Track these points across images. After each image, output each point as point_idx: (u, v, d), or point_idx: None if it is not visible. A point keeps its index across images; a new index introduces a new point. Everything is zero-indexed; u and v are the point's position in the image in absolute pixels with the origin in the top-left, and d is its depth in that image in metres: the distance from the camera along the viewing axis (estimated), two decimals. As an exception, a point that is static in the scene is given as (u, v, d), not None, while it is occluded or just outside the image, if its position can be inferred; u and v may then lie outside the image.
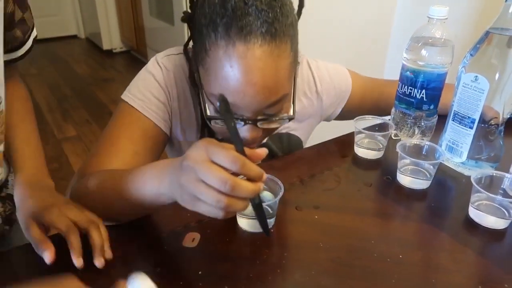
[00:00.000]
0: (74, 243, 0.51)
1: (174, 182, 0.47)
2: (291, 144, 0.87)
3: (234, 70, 0.57)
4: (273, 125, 0.66)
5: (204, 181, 0.43)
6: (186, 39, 0.75)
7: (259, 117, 0.63)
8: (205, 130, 0.76)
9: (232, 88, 0.58)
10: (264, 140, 0.80)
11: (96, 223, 0.55)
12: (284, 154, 0.86)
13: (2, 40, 0.59)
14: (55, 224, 0.52)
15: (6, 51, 0.62)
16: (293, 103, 0.68)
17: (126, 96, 0.72)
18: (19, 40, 0.65)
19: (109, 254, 0.53)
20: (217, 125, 0.65)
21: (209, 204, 0.43)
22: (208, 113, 0.64)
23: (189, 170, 0.44)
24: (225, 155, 0.43)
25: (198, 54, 0.61)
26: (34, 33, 0.69)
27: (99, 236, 0.53)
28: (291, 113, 0.67)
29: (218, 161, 0.43)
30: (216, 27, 0.57)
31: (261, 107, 0.61)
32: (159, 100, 0.72)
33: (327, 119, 0.94)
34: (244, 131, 0.63)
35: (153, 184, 0.51)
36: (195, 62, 0.65)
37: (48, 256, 0.51)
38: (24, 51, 0.68)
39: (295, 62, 0.63)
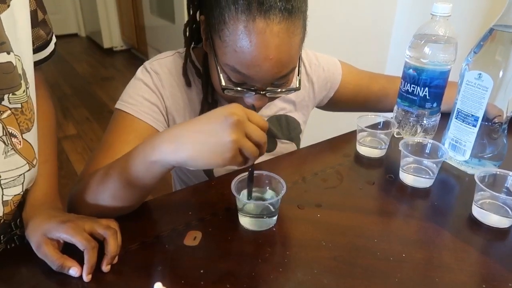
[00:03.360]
0: (91, 260, 0.51)
1: (214, 141, 0.51)
2: (289, 125, 0.88)
3: (253, 45, 0.59)
4: (279, 95, 0.71)
5: (248, 136, 0.52)
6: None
7: (268, 88, 0.66)
8: None
9: (249, 62, 0.61)
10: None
11: (113, 229, 0.55)
12: (283, 136, 0.87)
13: (30, 36, 0.59)
14: (73, 239, 0.52)
15: (33, 50, 0.62)
16: (298, 75, 0.70)
17: (118, 104, 0.73)
18: (43, 39, 0.65)
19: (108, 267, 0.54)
20: (229, 94, 0.67)
21: (245, 157, 0.53)
22: (223, 83, 0.65)
23: (239, 127, 0.51)
24: (259, 117, 0.54)
25: (215, 25, 0.63)
26: (54, 39, 0.69)
27: (115, 246, 0.53)
28: (296, 84, 0.70)
29: (255, 120, 0.53)
30: (236, 0, 0.58)
31: (273, 79, 0.64)
32: (150, 102, 0.73)
33: (321, 103, 0.94)
34: (253, 99, 0.67)
35: (164, 150, 0.53)
36: (209, 31, 0.66)
37: (76, 271, 0.51)
38: (49, 52, 0.68)
39: (303, 38, 0.66)
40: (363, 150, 0.82)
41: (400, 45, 1.90)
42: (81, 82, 3.58)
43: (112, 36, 4.29)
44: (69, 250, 0.53)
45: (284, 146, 0.88)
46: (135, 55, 4.19)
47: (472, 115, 0.70)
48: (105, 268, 0.52)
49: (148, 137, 0.57)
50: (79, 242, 0.51)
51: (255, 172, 0.61)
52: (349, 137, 0.87)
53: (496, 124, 0.70)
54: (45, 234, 0.53)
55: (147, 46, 3.66)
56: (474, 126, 0.71)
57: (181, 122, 0.56)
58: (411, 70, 0.79)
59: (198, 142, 0.52)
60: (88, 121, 2.83)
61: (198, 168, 0.53)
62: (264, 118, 0.54)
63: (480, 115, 0.69)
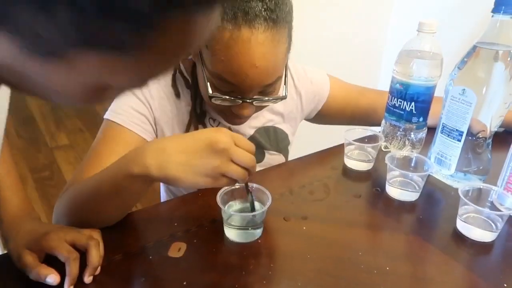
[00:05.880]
0: (72, 272, 0.51)
1: (197, 164, 0.53)
2: (277, 137, 0.88)
3: (238, 53, 0.61)
4: (266, 104, 0.72)
5: (235, 161, 0.53)
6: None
7: (255, 97, 0.67)
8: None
9: (235, 70, 0.62)
10: (251, 133, 0.85)
11: (96, 240, 0.54)
12: (272, 147, 0.88)
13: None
14: (55, 250, 0.52)
15: None
16: (285, 84, 0.72)
17: (107, 114, 0.74)
18: None
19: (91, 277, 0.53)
20: (216, 102, 0.68)
21: (231, 179, 0.55)
22: (210, 91, 0.66)
23: (224, 153, 0.53)
24: (247, 141, 0.56)
25: None
26: None
27: (97, 257, 0.53)
28: (283, 93, 0.71)
29: (242, 145, 0.55)
30: (222, 10, 0.60)
31: (259, 87, 0.65)
32: (139, 112, 0.74)
33: (309, 116, 0.95)
34: (240, 108, 0.68)
35: (146, 165, 0.53)
36: None
37: (54, 279, 0.50)
38: None
39: (289, 47, 0.67)
40: (350, 163, 0.83)
41: (393, 60, 1.92)
42: (75, 92, 3.58)
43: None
44: (53, 261, 0.52)
45: (272, 157, 0.88)
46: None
47: (456, 129, 0.71)
48: (87, 279, 0.52)
49: (132, 150, 0.57)
50: (60, 253, 0.51)
51: (239, 184, 0.62)
52: (337, 150, 0.88)
53: (480, 139, 0.71)
54: (26, 248, 0.53)
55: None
56: (459, 140, 0.71)
57: (166, 137, 0.56)
58: (398, 85, 0.80)
59: (182, 163, 0.53)
60: (81, 131, 2.82)
61: (180, 187, 0.53)
62: (251, 143, 0.56)
63: (465, 130, 0.70)
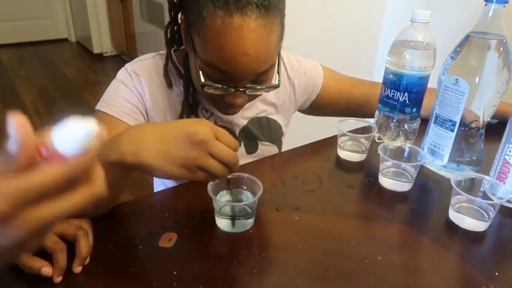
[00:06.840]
0: (59, 263, 0.50)
1: (173, 154, 0.51)
2: (270, 127, 0.88)
3: (230, 41, 0.60)
4: (259, 92, 0.71)
5: (214, 155, 0.52)
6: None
7: (248, 85, 0.66)
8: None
9: (228, 58, 0.61)
10: (244, 123, 0.84)
11: (84, 230, 0.54)
12: (265, 138, 0.88)
13: None
14: (41, 242, 0.51)
15: None
16: (277, 73, 0.71)
17: (99, 105, 0.73)
18: None
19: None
20: (209, 91, 0.67)
21: (209, 173, 0.53)
22: (202, 79, 0.66)
23: (202, 145, 0.51)
24: (229, 137, 0.54)
25: (194, 23, 0.63)
26: None
27: (86, 247, 0.52)
28: (276, 82, 0.71)
29: (224, 140, 0.53)
30: None
31: (252, 75, 0.65)
32: (130, 103, 0.73)
33: (302, 107, 0.94)
34: (233, 97, 0.67)
35: (122, 151, 0.52)
36: (189, 29, 0.66)
37: (48, 271, 0.50)
38: None
39: (282, 35, 0.67)
40: (344, 154, 0.82)
41: (387, 51, 1.92)
42: (69, 86, 3.55)
43: (102, 42, 4.27)
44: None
45: (265, 148, 0.88)
46: (125, 61, 4.16)
47: (449, 119, 0.71)
48: (76, 269, 0.51)
49: (110, 137, 0.55)
50: (46, 245, 0.51)
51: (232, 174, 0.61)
52: (331, 141, 0.88)
53: (473, 129, 0.71)
54: None
55: (137, 52, 3.65)
56: (452, 130, 0.71)
57: (145, 124, 0.55)
58: (391, 75, 0.80)
59: (157, 151, 0.52)
60: (75, 126, 2.81)
61: (157, 177, 0.53)
62: (234, 139, 0.55)
63: (458, 120, 0.70)
